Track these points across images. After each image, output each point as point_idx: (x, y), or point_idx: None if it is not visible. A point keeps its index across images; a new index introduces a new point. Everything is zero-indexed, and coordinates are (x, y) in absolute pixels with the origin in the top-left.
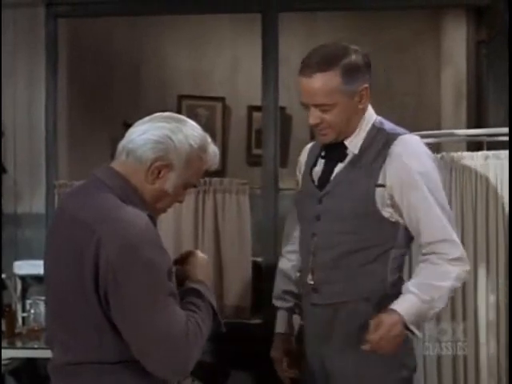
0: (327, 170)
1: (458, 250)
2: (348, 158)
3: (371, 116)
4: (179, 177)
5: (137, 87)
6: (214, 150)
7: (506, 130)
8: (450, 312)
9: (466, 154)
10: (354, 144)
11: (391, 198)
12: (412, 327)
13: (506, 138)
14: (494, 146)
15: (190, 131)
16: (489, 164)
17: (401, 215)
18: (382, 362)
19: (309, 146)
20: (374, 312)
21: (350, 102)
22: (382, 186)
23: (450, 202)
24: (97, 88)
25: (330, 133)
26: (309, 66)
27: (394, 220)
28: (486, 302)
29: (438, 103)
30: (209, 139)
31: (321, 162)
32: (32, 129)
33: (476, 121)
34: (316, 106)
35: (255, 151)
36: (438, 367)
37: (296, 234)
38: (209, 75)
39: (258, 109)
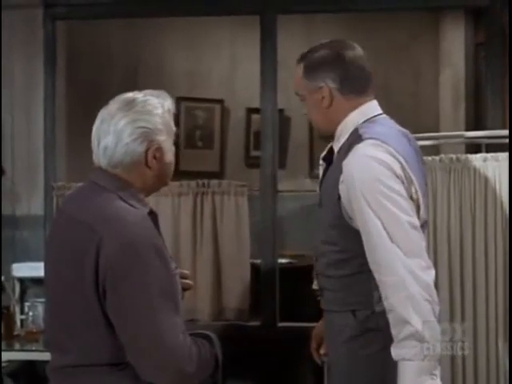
0: (323, 174)
1: (388, 274)
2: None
3: (358, 118)
4: (167, 143)
5: (135, 89)
6: (164, 95)
7: (504, 132)
8: (448, 312)
9: (464, 156)
10: (337, 148)
11: (348, 211)
12: None
13: (505, 141)
14: (492, 148)
15: (146, 105)
16: (487, 166)
17: None
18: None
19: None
20: (361, 328)
21: (314, 99)
22: (340, 199)
23: (448, 204)
24: (95, 90)
25: (316, 127)
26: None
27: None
28: (485, 303)
29: (437, 105)
30: (155, 92)
31: (324, 165)
32: (30, 130)
33: (474, 122)
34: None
35: (254, 153)
36: (447, 367)
37: None
38: (207, 77)
39: (256, 111)
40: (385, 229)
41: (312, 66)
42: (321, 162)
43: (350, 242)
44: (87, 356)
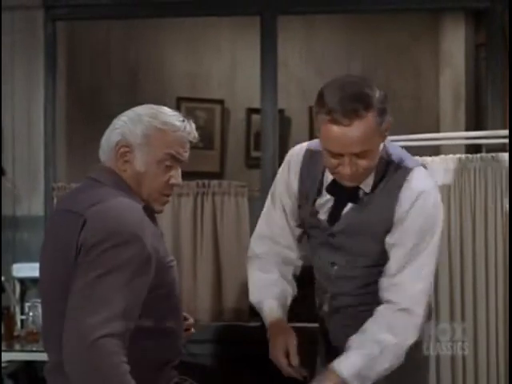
0: (337, 207)
1: (407, 300)
2: (360, 197)
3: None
4: (145, 154)
5: (135, 90)
6: (176, 119)
7: (504, 132)
8: (449, 312)
9: (464, 156)
10: (365, 182)
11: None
12: (353, 382)
13: (505, 141)
14: (492, 148)
15: (146, 109)
16: (487, 166)
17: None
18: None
19: (296, 164)
20: None
21: (381, 141)
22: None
23: (448, 205)
24: (95, 90)
25: (363, 177)
26: (342, 112)
27: None
28: (485, 303)
29: (437, 106)
30: (169, 112)
31: (325, 195)
32: (30, 131)
33: (475, 123)
34: (354, 154)
35: (254, 154)
36: (436, 367)
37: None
38: (208, 77)
39: (256, 111)
40: (434, 264)
41: (384, 107)
42: (328, 196)
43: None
44: None
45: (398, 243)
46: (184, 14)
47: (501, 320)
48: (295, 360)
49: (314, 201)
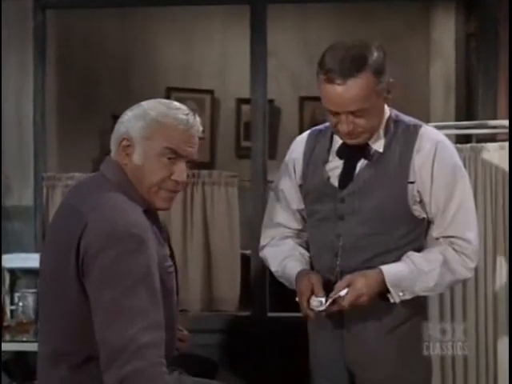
0: (348, 168)
1: (469, 249)
2: (372, 157)
3: (386, 109)
4: (144, 148)
5: (126, 79)
6: (180, 113)
7: (495, 122)
8: (450, 312)
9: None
10: (376, 142)
11: (419, 193)
12: (390, 288)
13: (495, 131)
14: (482, 138)
15: (151, 103)
16: (477, 156)
17: (425, 210)
18: None
19: (302, 139)
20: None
21: (382, 100)
22: (412, 182)
23: None
24: (85, 80)
25: (364, 135)
26: (338, 72)
27: (421, 217)
28: (487, 302)
29: (427, 96)
30: (174, 106)
31: (335, 159)
32: (20, 121)
33: (465, 113)
34: (350, 112)
35: (244, 144)
36: (437, 367)
37: (293, 225)
38: (198, 68)
39: (246, 101)
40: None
41: (381, 67)
42: (338, 161)
43: (406, 230)
44: (68, 343)
45: (433, 198)
46: (175, 2)
47: (502, 320)
48: (320, 291)
49: (324, 166)
